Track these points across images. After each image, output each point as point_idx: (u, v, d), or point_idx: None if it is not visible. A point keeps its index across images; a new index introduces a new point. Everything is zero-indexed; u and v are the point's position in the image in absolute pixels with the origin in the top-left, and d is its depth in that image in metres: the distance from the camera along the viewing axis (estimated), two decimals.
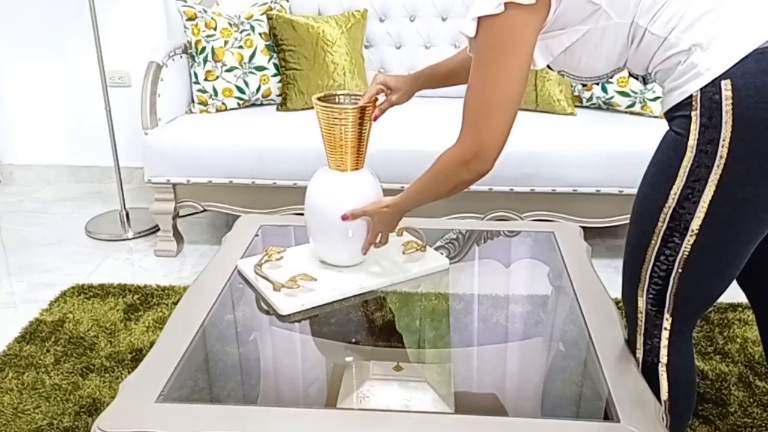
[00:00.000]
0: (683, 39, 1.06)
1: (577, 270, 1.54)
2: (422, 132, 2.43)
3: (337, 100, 1.50)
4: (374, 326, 1.36)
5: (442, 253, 1.61)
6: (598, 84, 1.27)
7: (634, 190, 2.35)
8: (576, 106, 2.62)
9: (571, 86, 2.61)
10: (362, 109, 1.41)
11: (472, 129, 1.18)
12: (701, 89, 1.02)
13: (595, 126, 2.43)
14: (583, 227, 1.85)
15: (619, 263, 2.53)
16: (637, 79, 1.22)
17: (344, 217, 1.44)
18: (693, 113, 1.03)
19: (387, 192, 2.42)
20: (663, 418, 1.19)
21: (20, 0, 3.15)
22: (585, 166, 2.33)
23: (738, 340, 1.99)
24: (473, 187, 2.38)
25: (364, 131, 1.44)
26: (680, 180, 1.06)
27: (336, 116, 1.40)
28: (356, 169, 1.48)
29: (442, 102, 2.81)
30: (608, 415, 1.07)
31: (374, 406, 1.11)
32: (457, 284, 1.52)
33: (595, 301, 1.40)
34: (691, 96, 1.03)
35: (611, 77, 1.24)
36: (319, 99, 1.44)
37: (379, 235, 1.48)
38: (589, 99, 2.59)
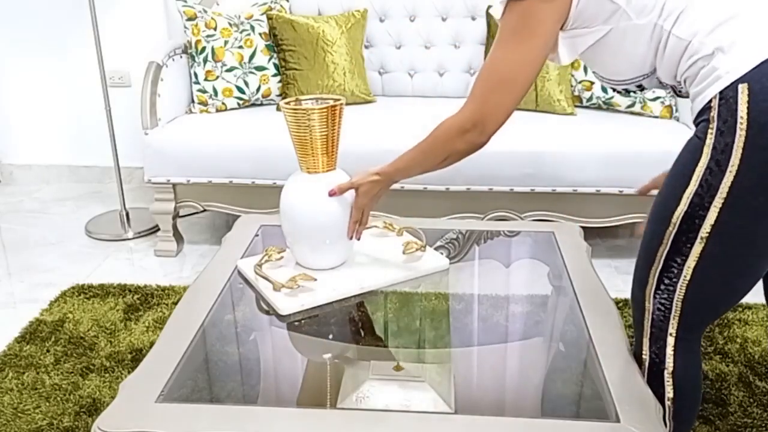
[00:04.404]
0: (706, 43, 1.05)
1: (577, 270, 1.54)
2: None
3: (304, 105, 1.48)
4: (374, 326, 1.36)
5: (442, 253, 1.61)
6: (629, 93, 1.27)
7: (634, 190, 2.37)
8: (576, 106, 2.62)
9: (571, 86, 2.61)
10: (330, 109, 1.40)
11: (478, 100, 1.20)
12: (720, 92, 1.01)
13: (595, 126, 2.43)
14: (583, 227, 1.85)
15: (619, 263, 2.54)
16: (666, 88, 1.22)
17: (332, 193, 1.43)
18: (711, 116, 1.02)
19: None
20: (666, 424, 1.19)
21: (20, 0, 3.16)
22: (585, 166, 2.33)
23: (738, 340, 1.99)
24: (473, 187, 2.39)
25: (333, 132, 1.43)
26: (693, 184, 1.05)
27: (303, 118, 1.40)
28: (328, 170, 1.47)
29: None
30: (608, 415, 1.07)
31: (374, 406, 1.11)
32: (457, 284, 1.52)
33: (595, 301, 1.40)
34: (711, 100, 1.03)
35: (642, 87, 1.23)
36: (287, 104, 1.44)
37: (362, 212, 1.45)
38: (589, 99, 2.59)
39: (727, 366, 1.88)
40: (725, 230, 1.04)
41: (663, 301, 1.14)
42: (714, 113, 1.02)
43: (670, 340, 1.16)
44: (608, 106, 2.59)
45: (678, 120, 2.50)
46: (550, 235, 1.74)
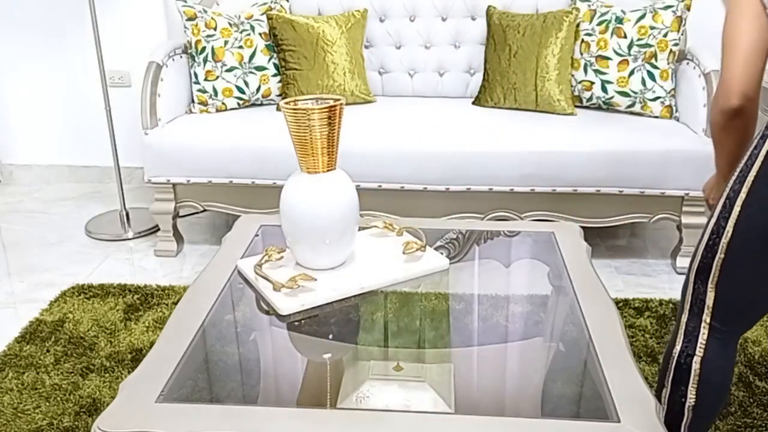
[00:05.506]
0: None
1: (577, 270, 1.54)
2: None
3: (304, 106, 1.48)
4: (374, 326, 1.36)
5: (442, 253, 1.61)
6: None
7: (634, 191, 2.38)
8: (576, 106, 2.62)
9: (571, 86, 2.61)
10: (330, 109, 1.40)
11: (721, 70, 1.20)
12: None
13: (595, 126, 2.43)
14: (583, 227, 1.85)
15: (619, 263, 2.54)
16: None
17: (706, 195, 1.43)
18: None
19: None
20: (684, 414, 1.20)
21: (21, 0, 3.16)
22: (585, 166, 2.33)
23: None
24: (473, 187, 2.39)
25: (333, 132, 1.43)
26: (743, 161, 1.10)
27: (303, 118, 1.40)
28: (328, 170, 1.47)
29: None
30: (608, 415, 1.07)
31: (374, 406, 1.11)
32: (457, 284, 1.52)
33: (595, 301, 1.40)
34: None
35: None
36: (287, 104, 1.44)
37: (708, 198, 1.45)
38: (589, 99, 2.59)
39: None
40: (754, 201, 1.08)
41: (702, 281, 1.18)
42: None
43: (704, 326, 1.19)
44: (608, 106, 2.59)
45: (678, 120, 2.50)
46: (550, 235, 1.74)
